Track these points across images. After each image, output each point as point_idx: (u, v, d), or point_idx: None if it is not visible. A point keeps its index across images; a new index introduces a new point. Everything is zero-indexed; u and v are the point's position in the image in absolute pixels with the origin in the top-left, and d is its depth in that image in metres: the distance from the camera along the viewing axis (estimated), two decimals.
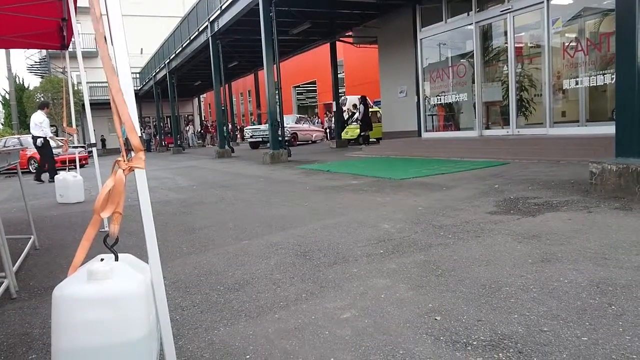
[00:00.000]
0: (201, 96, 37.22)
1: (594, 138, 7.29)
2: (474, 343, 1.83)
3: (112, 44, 1.53)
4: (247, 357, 1.86)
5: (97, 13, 1.56)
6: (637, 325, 1.87)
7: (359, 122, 16.70)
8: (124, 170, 1.53)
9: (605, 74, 7.91)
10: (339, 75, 22.54)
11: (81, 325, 1.37)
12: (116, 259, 1.55)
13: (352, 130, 18.51)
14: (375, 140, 16.58)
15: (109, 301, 1.40)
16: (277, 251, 3.39)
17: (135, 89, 33.34)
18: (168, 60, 23.09)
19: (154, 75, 27.37)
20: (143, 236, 1.56)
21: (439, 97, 11.93)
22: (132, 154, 1.54)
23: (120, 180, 1.52)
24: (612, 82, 7.49)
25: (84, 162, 13.43)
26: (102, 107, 32.67)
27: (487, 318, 2.04)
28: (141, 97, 33.13)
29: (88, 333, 1.37)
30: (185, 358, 1.88)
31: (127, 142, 1.54)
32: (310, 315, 2.21)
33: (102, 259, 1.54)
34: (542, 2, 8.61)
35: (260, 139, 20.76)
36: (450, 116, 11.97)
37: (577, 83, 8.42)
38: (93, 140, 4.75)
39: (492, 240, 3.27)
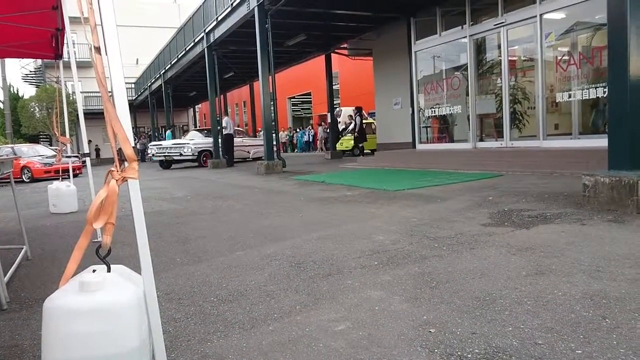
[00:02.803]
0: (196, 107, 37.26)
1: (586, 151, 7.34)
2: (469, 356, 1.82)
3: (106, 54, 1.53)
4: None
5: (92, 24, 1.56)
6: (631, 339, 1.87)
7: (354, 133, 16.76)
8: (117, 180, 1.52)
9: (597, 87, 7.99)
10: (334, 87, 22.66)
11: (72, 337, 1.36)
12: (108, 270, 1.53)
13: (346, 142, 18.58)
14: (369, 151, 16.63)
15: (101, 313, 1.39)
16: (271, 262, 3.38)
17: (131, 99, 33.34)
18: (163, 71, 23.14)
19: (149, 86, 27.41)
20: (137, 247, 1.55)
21: (433, 109, 12.00)
22: (126, 164, 1.54)
23: (114, 190, 1.52)
24: (605, 95, 7.57)
25: (77, 171, 13.37)
26: (96, 117, 32.66)
27: (482, 331, 2.03)
28: (136, 107, 33.14)
29: (79, 345, 1.36)
30: None
31: (120, 152, 1.54)
32: (304, 328, 2.19)
33: (94, 270, 1.53)
34: (535, 16, 8.71)
35: (163, 158, 17.63)
36: (444, 128, 12.04)
37: (569, 96, 8.50)
38: (87, 150, 4.73)
39: (486, 252, 3.27)
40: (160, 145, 18.22)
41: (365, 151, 16.92)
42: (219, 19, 14.24)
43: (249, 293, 2.74)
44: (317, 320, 2.27)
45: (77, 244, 1.53)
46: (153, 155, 18.14)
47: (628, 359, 1.72)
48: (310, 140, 28.35)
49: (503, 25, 9.47)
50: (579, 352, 1.79)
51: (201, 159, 17.52)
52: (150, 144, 19.55)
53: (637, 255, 2.93)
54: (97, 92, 34.05)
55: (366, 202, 5.96)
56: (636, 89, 4.40)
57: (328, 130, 21.23)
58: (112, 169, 1.54)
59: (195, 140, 17.95)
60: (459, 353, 1.85)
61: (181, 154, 17.18)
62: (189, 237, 4.57)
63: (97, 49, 1.57)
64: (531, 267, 2.85)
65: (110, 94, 1.55)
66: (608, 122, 4.83)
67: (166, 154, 17.34)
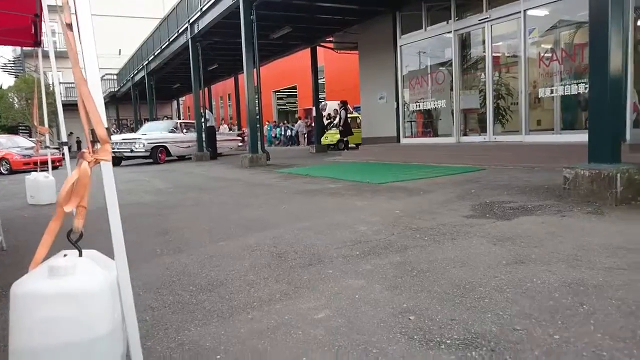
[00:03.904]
0: (180, 99, 36.90)
1: (568, 145, 7.42)
2: (448, 342, 1.82)
3: (78, 32, 1.48)
4: (218, 357, 1.81)
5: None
6: (608, 324, 1.88)
7: (339, 127, 16.73)
8: (89, 162, 1.48)
9: (579, 83, 8.07)
10: (320, 81, 22.60)
11: (40, 323, 1.31)
12: (80, 254, 1.49)
13: (331, 136, 18.56)
14: (354, 146, 16.63)
15: (71, 298, 1.35)
16: (252, 252, 3.35)
17: (113, 90, 32.90)
18: (146, 62, 22.83)
19: (132, 77, 27.03)
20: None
21: (418, 104, 12.03)
22: (98, 145, 1.49)
23: (85, 172, 1.47)
24: (586, 91, 7.65)
25: (57, 164, 13.13)
26: (77, 108, 32.27)
27: (461, 317, 2.03)
28: (119, 99, 32.71)
29: (47, 331, 1.31)
30: (154, 359, 1.83)
31: (92, 133, 1.49)
32: (283, 316, 2.17)
33: (65, 255, 1.48)
34: (519, 12, 8.76)
35: (113, 154, 16.54)
36: (429, 122, 12.08)
37: (552, 92, 8.57)
38: (65, 139, 4.64)
39: (467, 242, 3.28)
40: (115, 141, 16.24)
41: (350, 145, 16.91)
42: (204, 9, 14.07)
43: (229, 282, 2.71)
44: (297, 309, 2.25)
45: (47, 228, 1.48)
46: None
47: (605, 343, 1.73)
48: (293, 135, 28.23)
49: (487, 21, 9.50)
50: (557, 337, 1.80)
51: (157, 155, 15.96)
52: None
53: (615, 245, 2.96)
54: None
55: (350, 195, 5.95)
56: (616, 84, 4.45)
57: (311, 124, 21.12)
58: (84, 150, 1.49)
59: (148, 135, 16.32)
60: (437, 339, 1.85)
61: (132, 150, 15.61)
62: (169, 228, 4.51)
63: (69, 26, 1.52)
64: (511, 257, 2.86)
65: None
66: (588, 117, 4.87)
67: (116, 149, 15.38)
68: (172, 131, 17.03)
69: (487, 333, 1.87)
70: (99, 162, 1.49)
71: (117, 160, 15.94)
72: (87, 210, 1.49)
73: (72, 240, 1.48)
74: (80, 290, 1.36)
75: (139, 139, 15.91)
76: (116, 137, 16.56)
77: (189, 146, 17.03)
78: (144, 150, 15.59)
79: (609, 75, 4.40)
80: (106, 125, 1.49)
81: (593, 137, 4.62)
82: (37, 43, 6.28)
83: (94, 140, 1.49)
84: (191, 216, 5.14)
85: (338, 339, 1.91)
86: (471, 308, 2.13)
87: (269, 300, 2.38)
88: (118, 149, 15.55)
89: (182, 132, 17.18)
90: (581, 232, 3.39)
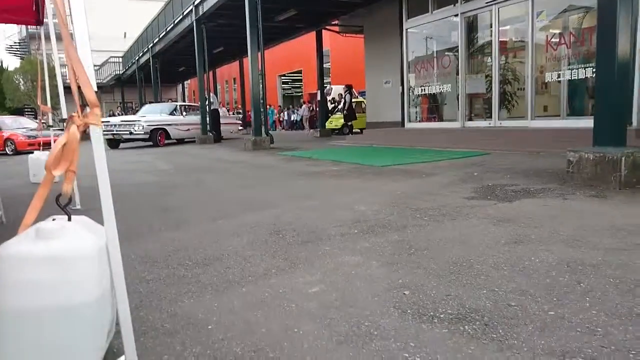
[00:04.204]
0: (185, 82, 36.78)
1: (574, 130, 7.33)
2: (441, 316, 1.80)
3: None
4: (210, 327, 1.81)
5: None
6: (604, 302, 1.86)
7: (344, 112, 16.61)
8: (78, 126, 1.45)
9: (587, 68, 7.95)
10: (325, 65, 22.42)
11: (26, 285, 1.30)
12: (69, 219, 1.47)
13: (336, 120, 18.47)
14: (359, 130, 16.55)
15: (57, 261, 1.33)
16: (250, 230, 3.34)
17: (118, 73, 32.85)
18: (151, 45, 22.73)
19: (137, 60, 26.94)
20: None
21: (423, 88, 11.91)
22: (88, 109, 1.47)
23: (74, 136, 1.45)
24: (594, 76, 7.53)
25: None
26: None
27: (456, 293, 2.01)
28: (124, 82, 32.67)
29: (33, 293, 1.30)
30: (145, 328, 1.82)
31: (82, 97, 1.46)
32: (277, 289, 2.16)
33: (54, 219, 1.47)
34: None
35: (111, 136, 15.35)
36: (434, 107, 11.97)
37: (559, 76, 8.46)
38: (65, 116, 4.62)
39: (467, 222, 3.25)
40: (108, 122, 15.83)
41: (354, 130, 16.83)
42: None
43: (225, 257, 2.70)
44: (292, 283, 2.24)
45: (36, 193, 1.46)
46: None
47: (600, 319, 1.71)
48: (298, 120, 28.11)
49: (495, 3, 9.35)
50: (552, 313, 1.78)
51: (156, 137, 15.58)
52: None
53: (617, 227, 2.92)
54: None
55: (352, 177, 5.92)
56: (623, 68, 4.38)
57: (315, 108, 20.99)
58: (73, 114, 1.47)
59: (147, 117, 15.93)
60: (431, 313, 1.83)
61: (131, 133, 15.26)
62: (169, 206, 4.51)
63: None
64: (510, 237, 2.83)
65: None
66: (595, 100, 4.81)
67: (114, 132, 15.26)
68: (172, 114, 16.70)
69: (481, 308, 1.85)
70: (88, 126, 1.47)
71: (115, 143, 15.79)
72: (77, 175, 1.47)
73: (61, 204, 1.47)
74: (66, 253, 1.34)
75: (139, 121, 15.61)
76: (115, 119, 16.33)
77: (189, 129, 16.75)
78: (143, 132, 15.31)
79: (617, 59, 4.32)
80: (95, 89, 1.47)
81: (598, 120, 4.56)
82: (39, 22, 6.24)
83: (83, 104, 1.47)
84: (192, 196, 5.14)
85: (331, 312, 1.89)
86: (467, 285, 2.11)
87: (264, 275, 2.37)
88: (117, 131, 15.31)
89: (182, 114, 16.86)
90: (582, 214, 3.35)
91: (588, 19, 8.16)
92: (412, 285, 2.13)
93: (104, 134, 15.50)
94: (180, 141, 17.15)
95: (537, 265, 2.31)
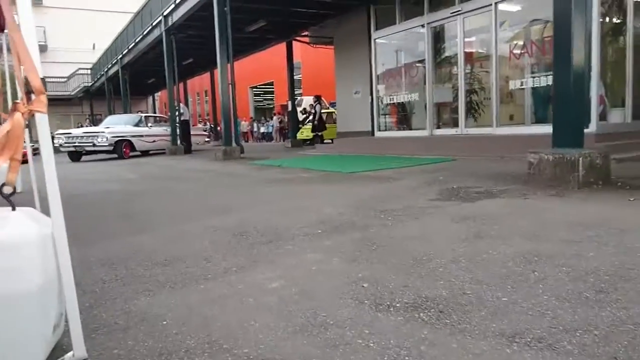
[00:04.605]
0: (156, 95, 36.39)
1: (538, 136, 7.51)
2: (397, 305, 1.82)
3: None
4: (164, 322, 1.78)
5: None
6: (556, 288, 1.90)
7: (314, 122, 16.63)
8: (23, 113, 1.43)
9: (548, 75, 8.19)
10: (297, 77, 22.52)
11: None
12: (13, 209, 1.44)
13: (307, 131, 18.51)
14: (330, 140, 16.62)
15: None
16: (214, 232, 3.30)
17: (87, 85, 32.29)
18: (121, 56, 22.44)
19: (106, 71, 26.53)
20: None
21: (392, 98, 12.07)
22: (33, 97, 1.44)
23: (19, 124, 1.42)
24: None
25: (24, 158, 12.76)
26: (51, 102, 31.49)
27: (414, 284, 2.03)
28: (92, 94, 32.10)
29: None
30: (97, 326, 1.78)
31: (27, 84, 1.44)
32: (237, 285, 2.14)
33: None
34: (490, 4, 8.85)
35: (73, 148, 14.83)
36: (403, 116, 12.13)
37: (522, 84, 8.69)
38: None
39: (430, 221, 3.29)
40: (70, 133, 15.16)
41: (325, 140, 16.90)
42: (177, 1, 13.88)
43: (186, 258, 2.66)
44: (252, 280, 2.22)
45: None
46: (61, 145, 14.82)
47: (550, 303, 1.75)
48: (270, 131, 28.09)
49: (459, 14, 9.58)
50: (505, 299, 1.81)
51: (121, 149, 14.99)
52: (57, 132, 15.30)
53: (573, 222, 3.00)
54: (49, 77, 32.91)
55: (320, 182, 5.94)
56: (578, 73, 4.54)
57: (285, 119, 21.02)
58: (18, 101, 1.44)
59: (111, 129, 15.35)
60: (387, 303, 1.84)
61: (94, 144, 14.63)
62: (134, 212, 4.44)
63: None
64: (471, 233, 2.88)
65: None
66: (553, 103, 4.95)
67: (76, 144, 14.63)
68: (137, 125, 16.13)
69: (437, 297, 1.88)
70: (33, 114, 1.44)
71: (76, 155, 15.20)
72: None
73: (5, 194, 1.43)
74: (8, 240, 1.31)
75: (102, 132, 15.00)
76: (77, 131, 15.75)
77: (155, 141, 16.31)
78: (107, 144, 14.73)
79: (572, 65, 4.49)
80: (41, 75, 1.44)
81: (557, 122, 4.70)
82: (1, 28, 6.09)
83: (28, 91, 1.44)
84: (157, 202, 5.07)
85: (289, 305, 1.89)
86: (425, 276, 2.13)
87: (224, 273, 2.35)
88: (79, 143, 14.74)
89: (148, 126, 16.38)
90: (541, 211, 3.44)
91: (549, 28, 8.43)
92: (372, 279, 2.14)
93: (66, 146, 15.13)
94: (145, 153, 16.66)
95: (494, 257, 2.35)
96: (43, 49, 33.67)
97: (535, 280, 2.00)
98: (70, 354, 1.48)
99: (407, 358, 1.41)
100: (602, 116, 7.65)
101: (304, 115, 20.61)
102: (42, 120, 1.45)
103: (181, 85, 24.40)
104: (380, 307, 1.80)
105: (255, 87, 33.00)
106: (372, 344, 1.51)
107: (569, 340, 1.47)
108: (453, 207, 3.77)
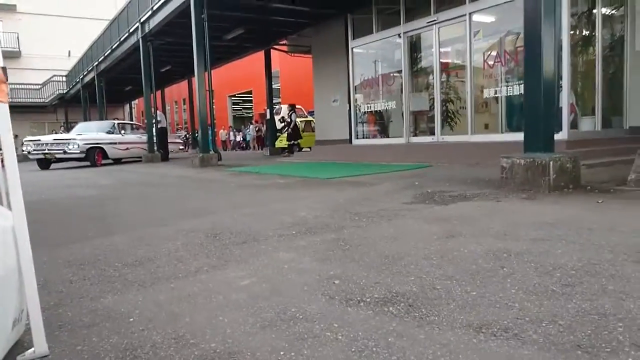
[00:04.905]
0: (133, 102, 35.97)
1: (512, 143, 7.63)
2: (367, 300, 1.82)
3: None
4: (131, 319, 1.74)
5: None
6: (523, 282, 1.93)
7: (288, 130, 16.52)
8: None
9: (521, 84, 8.36)
10: (276, 86, 22.53)
11: None
12: None
13: (285, 139, 18.50)
14: (308, 149, 16.64)
15: None
16: (187, 234, 3.27)
17: (62, 92, 31.76)
18: (97, 63, 22.16)
19: (82, 78, 26.16)
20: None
21: (369, 106, 12.16)
22: None
23: None
24: None
25: None
26: (24, 110, 30.90)
27: (385, 281, 2.04)
28: (67, 102, 31.57)
29: None
30: (62, 323, 1.73)
31: None
32: (207, 284, 2.12)
33: None
34: (465, 14, 9.02)
35: (42, 156, 14.43)
36: (380, 124, 12.23)
37: (496, 92, 8.85)
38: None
39: (403, 222, 3.31)
40: (39, 141, 14.61)
41: (304, 148, 16.92)
42: (154, 8, 13.79)
43: (157, 258, 2.62)
44: (222, 278, 2.20)
45: None
46: (29, 152, 14.46)
47: (517, 296, 1.77)
48: (248, 139, 28.02)
49: (435, 23, 9.74)
50: (474, 293, 1.83)
51: (93, 157, 14.70)
52: (26, 139, 14.98)
53: (542, 222, 3.05)
54: (25, 83, 32.32)
55: (297, 188, 5.93)
56: (548, 79, 4.65)
57: (263, 128, 20.94)
58: None
59: (83, 136, 14.95)
60: (358, 298, 1.84)
61: (65, 152, 14.22)
62: (106, 215, 4.36)
63: None
64: (443, 233, 2.90)
65: None
66: (524, 109, 5.04)
67: (46, 151, 14.18)
68: (109, 132, 15.79)
69: (407, 292, 1.88)
70: None
71: (45, 163, 14.75)
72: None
73: None
74: None
75: (74, 139, 14.62)
76: (46, 138, 15.16)
77: (128, 148, 16.02)
78: (79, 151, 14.34)
79: (542, 73, 4.60)
80: (2, 64, 1.41)
81: (528, 127, 4.79)
82: None
83: None
84: (131, 206, 4.99)
85: (259, 301, 1.87)
86: (396, 273, 2.14)
87: (195, 272, 2.32)
88: (49, 150, 14.28)
89: (121, 133, 16.08)
90: (513, 213, 3.49)
91: (522, 40, 8.62)
92: (343, 276, 2.13)
93: (35, 154, 14.68)
94: (118, 161, 16.31)
95: (465, 255, 2.38)
96: (16, 55, 33.07)
97: (503, 275, 2.02)
98: (31, 350, 1.44)
99: (375, 349, 1.41)
100: (573, 124, 7.83)
101: (282, 124, 20.58)
102: (2, 110, 1.42)
103: (159, 93, 24.20)
104: (351, 302, 1.80)
105: (234, 96, 32.90)
106: (340, 337, 1.50)
107: (534, 330, 1.49)
108: (427, 209, 3.80)
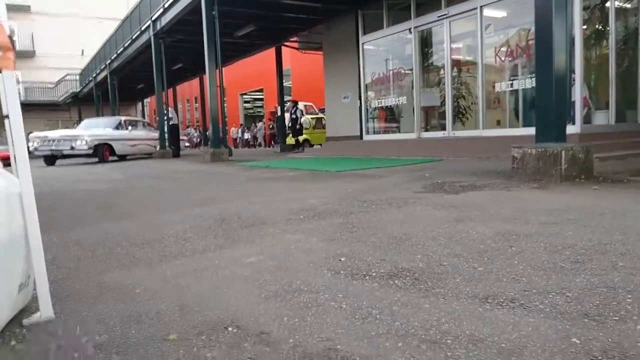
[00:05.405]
0: (145, 101, 36.23)
1: (524, 137, 7.55)
2: (373, 274, 1.81)
3: None
4: (137, 291, 1.75)
5: None
6: (532, 259, 1.90)
7: (295, 127, 16.45)
8: None
9: (533, 77, 8.27)
10: (287, 84, 22.54)
11: None
12: None
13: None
14: (320, 146, 16.62)
15: None
16: (195, 219, 3.28)
17: (75, 91, 32.09)
18: (109, 61, 22.36)
19: (95, 77, 26.41)
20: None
21: (380, 102, 12.13)
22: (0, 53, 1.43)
23: None
24: None
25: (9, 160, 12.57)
26: (38, 107, 31.29)
27: (391, 258, 2.03)
28: (81, 100, 31.89)
29: None
30: (68, 294, 1.75)
31: None
32: (213, 261, 2.12)
33: None
34: (476, 8, 8.95)
35: (49, 152, 14.15)
36: (391, 120, 12.18)
37: (509, 86, 8.77)
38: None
39: (412, 209, 3.29)
40: (46, 137, 14.24)
41: (315, 146, 16.92)
42: (166, 5, 13.88)
43: (165, 239, 2.63)
44: (229, 256, 2.20)
45: None
46: (35, 149, 14.03)
47: (525, 272, 1.75)
48: (257, 136, 28.08)
49: (446, 17, 9.68)
50: (481, 269, 1.81)
51: (102, 153, 14.48)
52: (32, 134, 14.42)
53: (553, 208, 3.02)
54: (39, 81, 32.73)
55: (306, 180, 5.93)
56: (560, 70, 4.60)
57: (272, 126, 20.96)
58: None
59: (91, 132, 14.75)
60: (363, 273, 1.83)
61: (72, 148, 13.99)
62: (116, 204, 4.40)
63: None
64: (452, 218, 2.88)
65: None
66: (536, 100, 4.99)
67: (53, 147, 13.92)
68: (117, 128, 15.50)
69: (413, 268, 1.87)
70: (0, 71, 1.42)
71: (51, 159, 14.48)
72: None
73: None
74: None
75: (82, 135, 14.36)
76: (54, 133, 14.95)
77: (135, 144, 15.80)
78: (87, 147, 14.13)
79: (553, 65, 4.55)
80: (8, 33, 1.42)
81: (540, 117, 4.74)
82: None
83: None
84: (141, 196, 5.03)
85: (264, 275, 1.87)
86: (403, 252, 2.13)
87: (202, 251, 2.33)
88: (56, 146, 14.02)
89: (128, 129, 15.83)
90: (523, 200, 3.45)
91: (532, 34, 8.53)
92: (350, 254, 2.13)
93: (41, 150, 14.38)
94: (122, 157, 15.94)
95: (473, 236, 2.35)
96: (31, 54, 33.48)
97: (512, 253, 2.00)
98: (37, 314, 1.45)
99: (378, 316, 1.40)
100: (587, 118, 7.73)
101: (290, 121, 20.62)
102: (8, 78, 1.43)
103: (170, 91, 24.34)
104: (356, 277, 1.79)
105: (245, 94, 32.98)
106: (344, 306, 1.49)
107: (541, 301, 1.47)
108: (436, 197, 3.77)
